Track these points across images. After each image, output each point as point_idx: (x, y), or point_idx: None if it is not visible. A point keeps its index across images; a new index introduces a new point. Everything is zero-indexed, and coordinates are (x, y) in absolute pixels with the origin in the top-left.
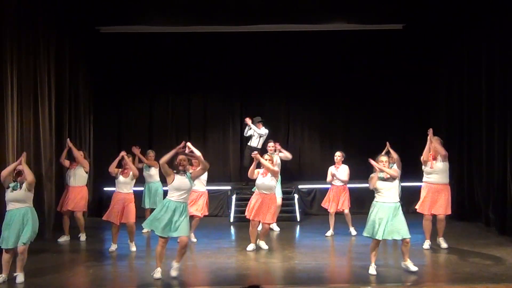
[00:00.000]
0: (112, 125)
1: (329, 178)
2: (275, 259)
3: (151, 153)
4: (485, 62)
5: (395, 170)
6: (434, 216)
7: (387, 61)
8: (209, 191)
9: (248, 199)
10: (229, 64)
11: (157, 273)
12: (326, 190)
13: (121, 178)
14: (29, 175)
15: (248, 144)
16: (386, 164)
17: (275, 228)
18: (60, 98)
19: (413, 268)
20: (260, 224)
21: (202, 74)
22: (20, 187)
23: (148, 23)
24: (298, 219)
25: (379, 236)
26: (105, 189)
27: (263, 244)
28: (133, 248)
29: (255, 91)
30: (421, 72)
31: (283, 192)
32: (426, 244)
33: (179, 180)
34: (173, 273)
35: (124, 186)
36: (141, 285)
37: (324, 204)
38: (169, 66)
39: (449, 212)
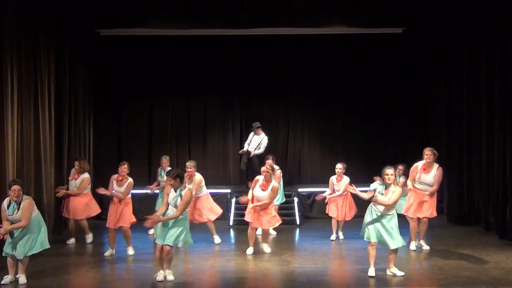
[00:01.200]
0: (111, 127)
1: (329, 190)
2: (275, 262)
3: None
4: (484, 66)
5: (398, 194)
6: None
7: (387, 64)
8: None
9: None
10: (229, 67)
11: (159, 276)
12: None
13: (115, 186)
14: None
15: (247, 149)
16: (391, 178)
17: (272, 232)
18: (60, 100)
19: (399, 273)
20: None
21: (201, 77)
22: (18, 209)
23: (148, 26)
24: (298, 223)
25: (373, 239)
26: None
27: (266, 248)
28: (131, 252)
29: (255, 95)
30: (420, 76)
31: (284, 196)
32: (413, 246)
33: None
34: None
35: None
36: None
37: (329, 212)
38: (169, 69)
39: (435, 215)
